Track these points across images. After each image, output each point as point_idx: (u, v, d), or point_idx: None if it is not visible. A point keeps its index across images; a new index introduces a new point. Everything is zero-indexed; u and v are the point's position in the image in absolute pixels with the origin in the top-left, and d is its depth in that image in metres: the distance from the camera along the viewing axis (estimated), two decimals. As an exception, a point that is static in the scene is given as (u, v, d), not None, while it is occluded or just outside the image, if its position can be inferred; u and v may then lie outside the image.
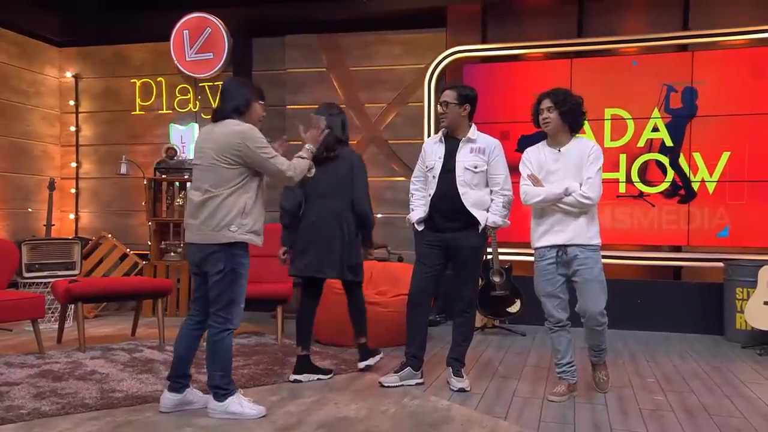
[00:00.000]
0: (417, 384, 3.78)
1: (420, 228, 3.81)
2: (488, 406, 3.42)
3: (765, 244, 5.64)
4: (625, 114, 5.97)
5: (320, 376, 3.89)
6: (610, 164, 5.86)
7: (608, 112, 5.99)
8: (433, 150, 3.81)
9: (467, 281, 3.79)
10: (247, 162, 3.10)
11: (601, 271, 3.53)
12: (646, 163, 5.93)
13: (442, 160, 3.74)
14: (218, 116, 3.19)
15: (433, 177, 3.74)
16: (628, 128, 5.95)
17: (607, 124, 5.99)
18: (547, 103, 3.53)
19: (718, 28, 5.71)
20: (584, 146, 3.55)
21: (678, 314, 5.72)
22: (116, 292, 4.89)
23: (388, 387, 3.71)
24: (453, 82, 5.93)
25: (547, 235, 3.57)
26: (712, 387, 3.89)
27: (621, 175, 5.98)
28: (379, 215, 6.69)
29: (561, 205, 3.50)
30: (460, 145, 3.72)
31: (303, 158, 3.31)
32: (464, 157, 3.70)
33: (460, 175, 3.67)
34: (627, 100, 5.94)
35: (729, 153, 5.72)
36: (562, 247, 3.53)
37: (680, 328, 5.69)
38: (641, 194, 5.93)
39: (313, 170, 3.37)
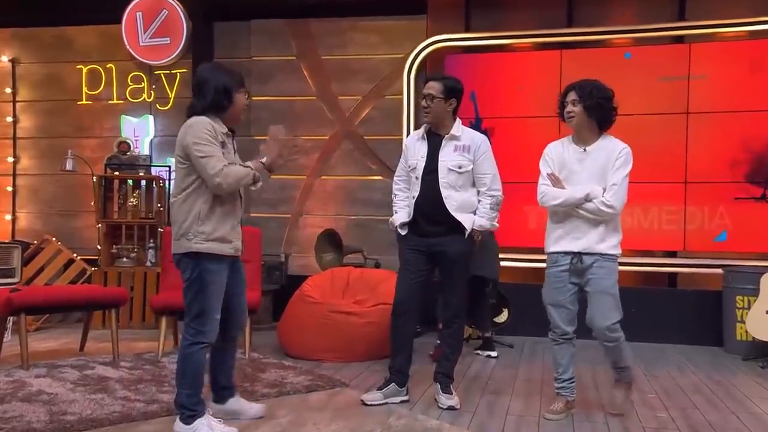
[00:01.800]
0: (402, 401, 3.72)
1: (404, 232, 3.77)
2: (481, 426, 3.39)
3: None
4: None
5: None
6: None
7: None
8: (415, 148, 3.76)
9: (454, 289, 3.75)
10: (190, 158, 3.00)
11: (616, 284, 3.48)
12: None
13: (424, 159, 3.70)
14: (194, 113, 3.04)
15: (416, 178, 3.70)
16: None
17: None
18: (572, 96, 3.48)
19: (716, 18, 5.79)
20: (613, 147, 3.48)
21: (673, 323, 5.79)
22: (65, 302, 4.71)
23: (371, 405, 3.64)
24: (436, 72, 5.90)
25: (563, 240, 3.51)
26: (716, 402, 3.93)
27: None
28: (353, 217, 6.65)
29: (580, 211, 3.45)
30: (443, 142, 3.68)
31: (246, 167, 3.10)
32: (447, 157, 3.65)
33: (443, 177, 3.63)
34: (620, 95, 5.95)
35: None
36: (577, 255, 3.47)
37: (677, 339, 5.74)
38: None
39: (260, 183, 3.15)
